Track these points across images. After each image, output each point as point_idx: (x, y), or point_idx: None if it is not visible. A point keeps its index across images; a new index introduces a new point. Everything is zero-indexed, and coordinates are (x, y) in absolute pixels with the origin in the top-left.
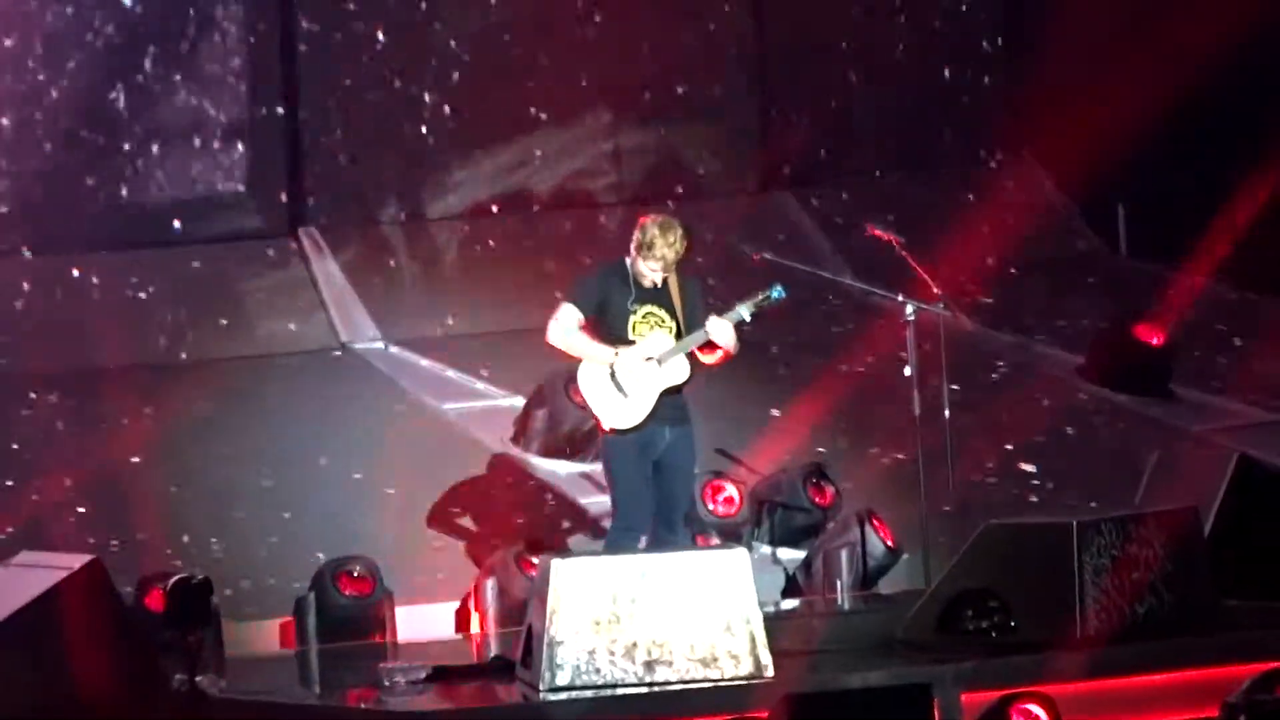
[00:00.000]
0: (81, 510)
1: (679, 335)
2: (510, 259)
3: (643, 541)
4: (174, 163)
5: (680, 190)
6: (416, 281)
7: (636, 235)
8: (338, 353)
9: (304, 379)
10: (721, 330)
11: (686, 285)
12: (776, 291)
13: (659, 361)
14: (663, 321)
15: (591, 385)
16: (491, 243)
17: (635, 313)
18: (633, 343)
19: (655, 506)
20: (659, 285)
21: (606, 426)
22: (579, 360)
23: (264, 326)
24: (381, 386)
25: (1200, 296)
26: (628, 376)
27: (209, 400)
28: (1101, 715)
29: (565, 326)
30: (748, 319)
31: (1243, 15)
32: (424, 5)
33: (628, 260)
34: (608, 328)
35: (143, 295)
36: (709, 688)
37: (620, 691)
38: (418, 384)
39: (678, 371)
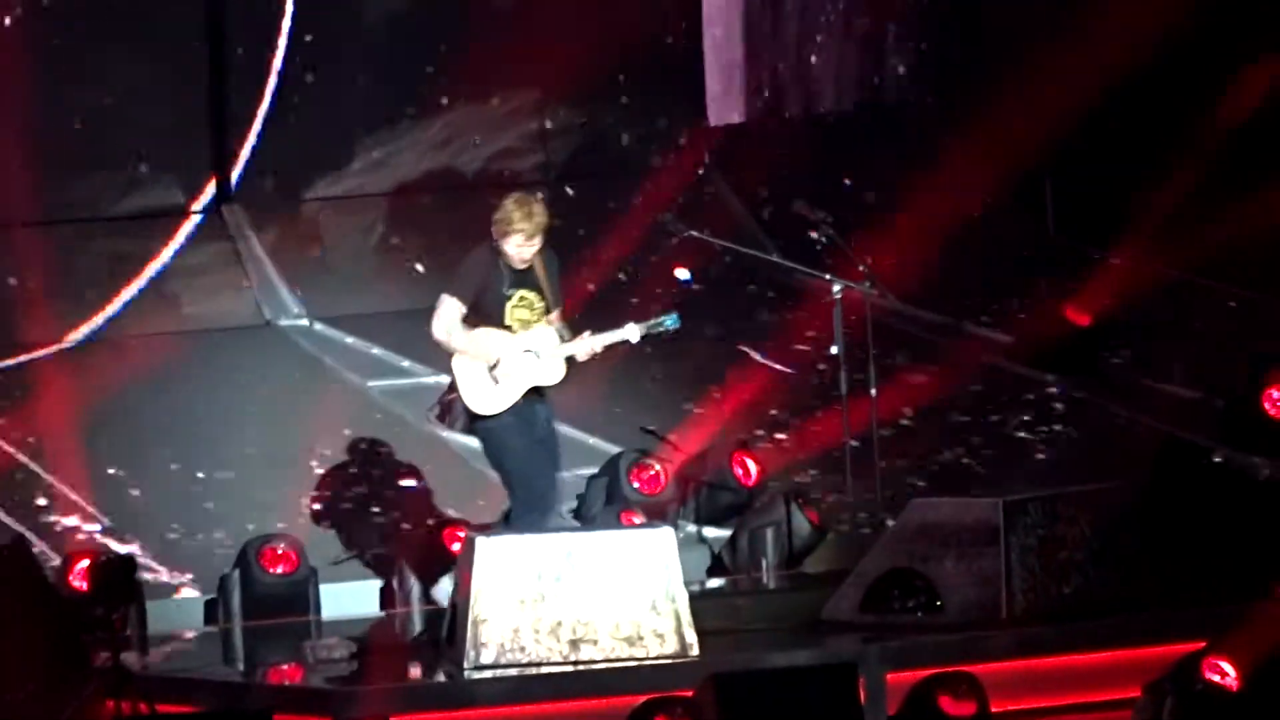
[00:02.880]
0: (5, 488)
1: (547, 312)
2: (436, 237)
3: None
4: (101, 140)
5: (607, 169)
6: (342, 259)
7: (495, 216)
8: (262, 330)
9: (229, 356)
10: (588, 351)
11: (549, 263)
12: (672, 320)
13: (537, 355)
14: (534, 304)
15: (464, 369)
16: (417, 221)
17: (510, 298)
18: (509, 327)
19: None
20: (528, 267)
21: (471, 408)
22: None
23: (189, 303)
24: (306, 364)
25: (1129, 278)
26: (504, 368)
27: (134, 377)
28: (1028, 695)
29: (448, 324)
30: (635, 340)
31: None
32: None
33: (494, 244)
34: (484, 313)
35: (69, 271)
36: (634, 666)
37: (545, 670)
38: (342, 361)
39: (553, 373)
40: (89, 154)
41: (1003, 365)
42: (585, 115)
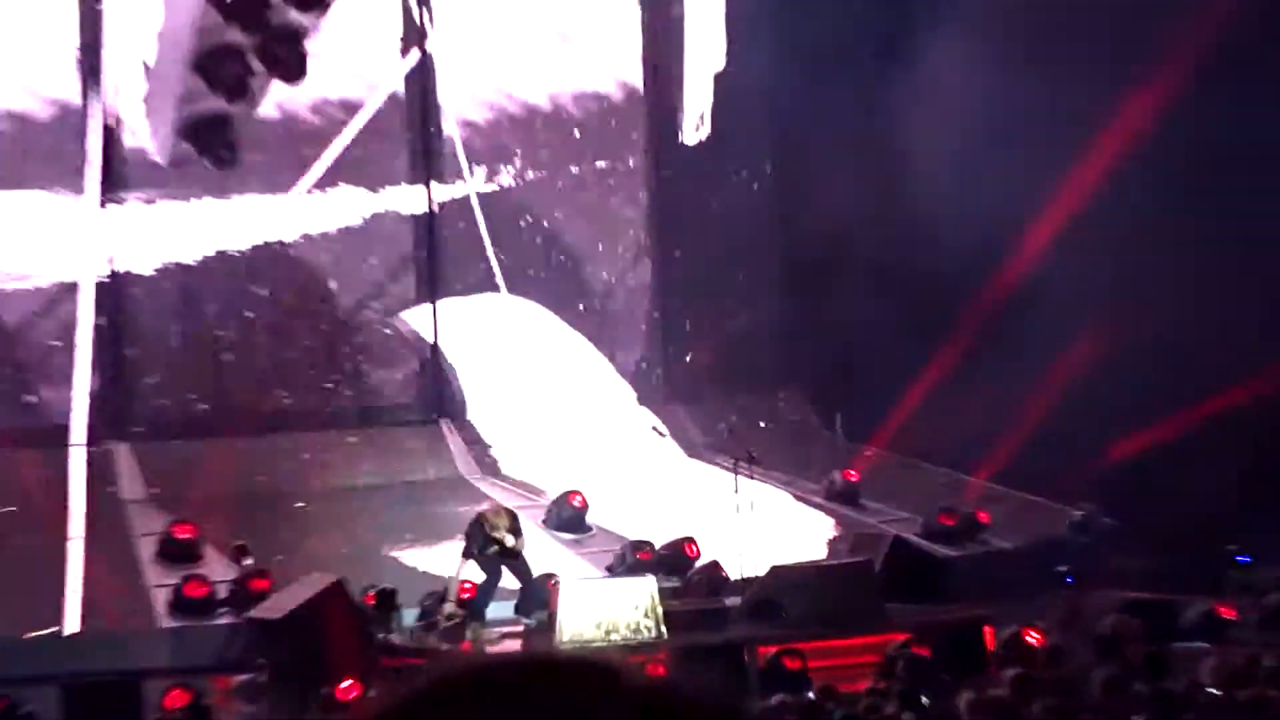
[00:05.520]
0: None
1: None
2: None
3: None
4: (368, 386)
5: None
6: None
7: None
8: (457, 482)
9: (440, 498)
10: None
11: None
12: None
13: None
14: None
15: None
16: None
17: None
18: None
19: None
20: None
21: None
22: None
23: (419, 470)
24: (482, 502)
25: (880, 457)
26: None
27: (384, 513)
28: (825, 660)
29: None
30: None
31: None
32: None
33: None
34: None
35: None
36: (635, 642)
37: (593, 644)
38: (502, 498)
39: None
40: None
41: (812, 505)
42: None
